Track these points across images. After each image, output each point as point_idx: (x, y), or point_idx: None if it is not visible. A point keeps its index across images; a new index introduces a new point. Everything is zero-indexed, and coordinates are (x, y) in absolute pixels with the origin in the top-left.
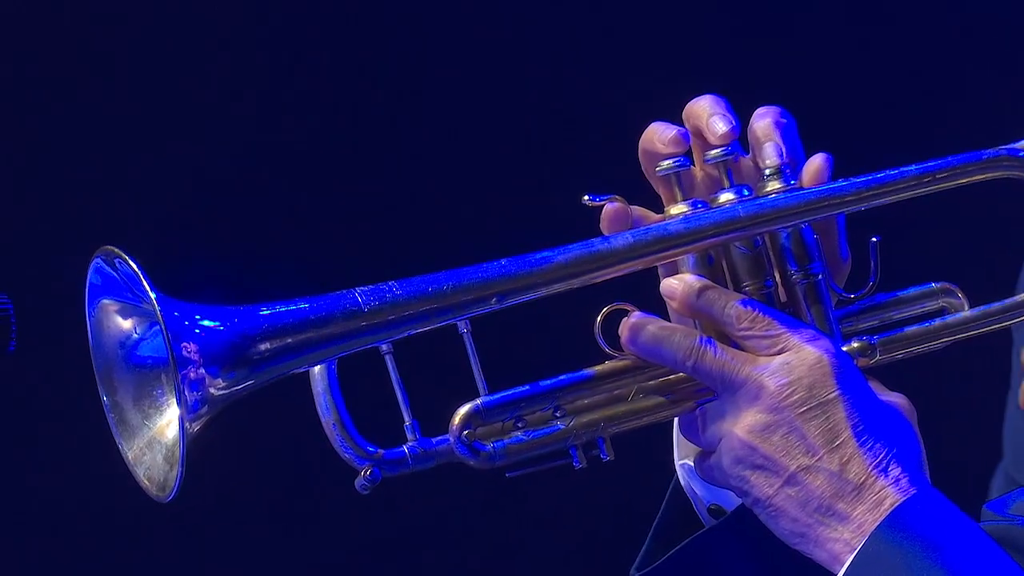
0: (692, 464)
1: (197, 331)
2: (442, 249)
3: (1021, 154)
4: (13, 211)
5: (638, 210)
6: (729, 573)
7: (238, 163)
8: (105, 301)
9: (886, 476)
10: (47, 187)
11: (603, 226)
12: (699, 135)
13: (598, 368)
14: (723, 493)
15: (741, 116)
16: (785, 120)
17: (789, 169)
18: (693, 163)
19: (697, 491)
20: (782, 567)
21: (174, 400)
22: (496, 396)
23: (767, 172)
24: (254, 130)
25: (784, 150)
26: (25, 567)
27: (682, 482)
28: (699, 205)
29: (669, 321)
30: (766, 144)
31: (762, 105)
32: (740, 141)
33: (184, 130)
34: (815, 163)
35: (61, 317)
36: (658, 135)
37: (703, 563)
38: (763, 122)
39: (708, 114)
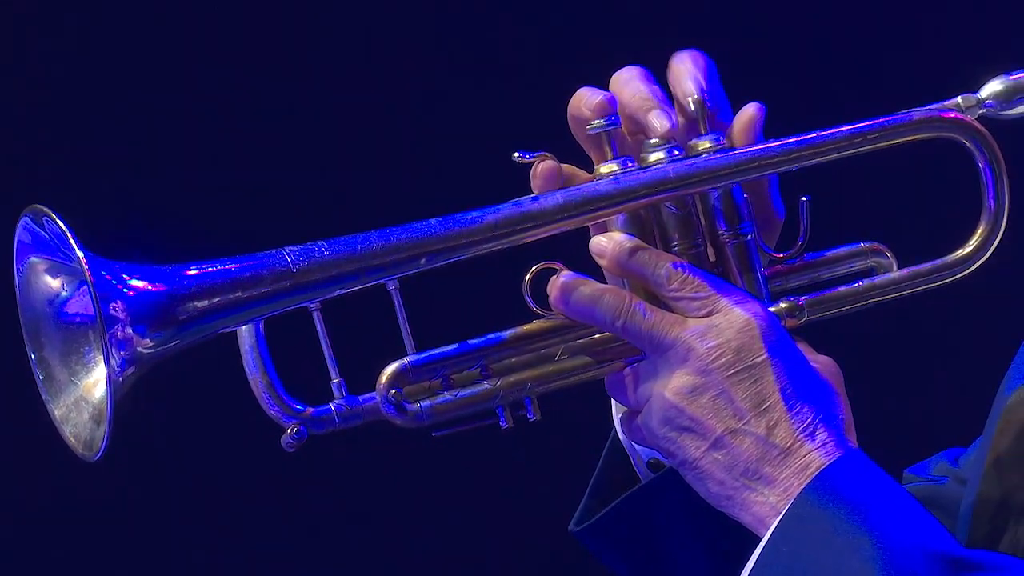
0: None
1: (125, 290)
2: (372, 208)
3: (951, 115)
4: None
5: (568, 168)
6: (667, 527)
7: (167, 124)
8: (34, 259)
9: (812, 440)
10: None
11: (534, 184)
12: (631, 118)
13: (526, 328)
14: None
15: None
16: (705, 59)
17: (707, 96)
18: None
19: (635, 445)
20: (719, 521)
21: (102, 359)
22: (423, 355)
23: (689, 102)
24: (183, 89)
25: (703, 80)
26: None
27: (620, 437)
28: (629, 164)
29: (599, 281)
30: (685, 78)
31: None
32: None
33: (112, 89)
34: (746, 114)
35: None
36: (585, 100)
37: (641, 518)
38: (682, 62)
39: (645, 107)
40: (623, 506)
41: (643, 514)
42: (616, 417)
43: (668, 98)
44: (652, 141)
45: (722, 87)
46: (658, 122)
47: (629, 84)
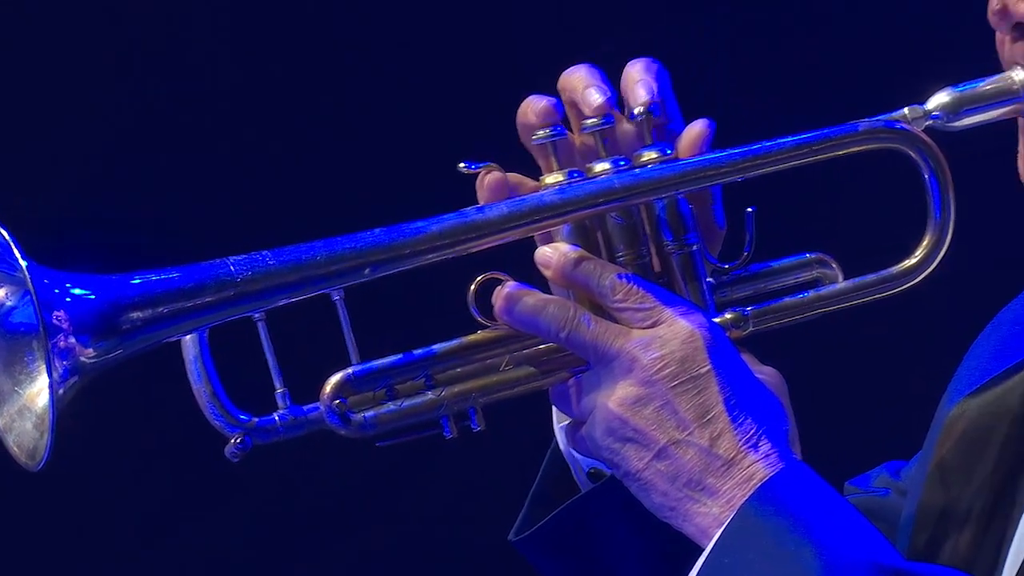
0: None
1: (68, 299)
2: (318, 218)
3: (897, 126)
4: None
5: (515, 177)
6: (607, 537)
7: (111, 134)
8: None
9: (756, 451)
10: None
11: (479, 194)
12: (574, 106)
13: (471, 338)
14: None
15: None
16: (656, 65)
17: (658, 104)
18: (570, 131)
19: (576, 455)
20: (660, 531)
21: (45, 368)
22: (368, 365)
23: (636, 111)
24: (128, 102)
25: (655, 88)
26: None
27: (561, 446)
28: (575, 175)
29: (544, 292)
30: (636, 84)
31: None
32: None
33: (59, 102)
34: (695, 129)
35: None
36: (532, 107)
37: (581, 527)
38: (634, 68)
39: (583, 85)
40: (563, 516)
41: (583, 524)
42: (557, 426)
43: (609, 85)
44: (599, 166)
45: (674, 96)
46: (592, 97)
47: (573, 72)
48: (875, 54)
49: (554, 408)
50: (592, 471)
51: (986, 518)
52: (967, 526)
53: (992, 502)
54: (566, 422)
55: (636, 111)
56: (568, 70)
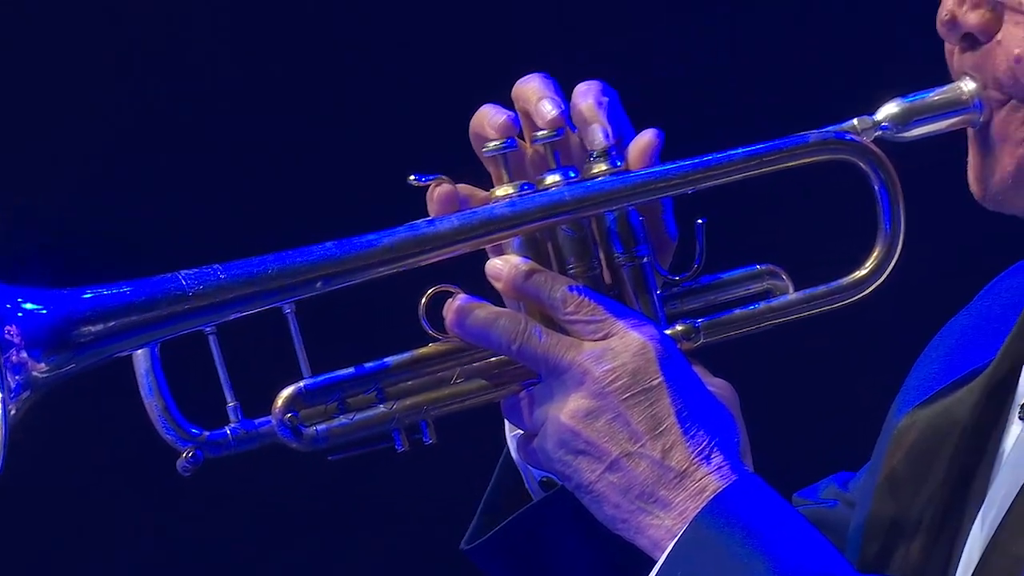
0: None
1: (19, 314)
2: (268, 232)
3: (847, 137)
4: None
5: (465, 188)
6: (559, 546)
7: (61, 147)
8: None
9: (708, 463)
10: None
11: (430, 207)
12: (527, 116)
13: (422, 351)
14: None
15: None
16: (607, 97)
17: (616, 150)
18: (522, 140)
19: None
20: (611, 542)
21: None
22: (319, 379)
23: (594, 155)
24: (78, 114)
25: (610, 131)
26: None
27: (513, 455)
28: (526, 187)
29: (495, 304)
30: (592, 126)
31: (584, 81)
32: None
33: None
34: (643, 140)
35: None
36: (487, 119)
37: (533, 536)
38: (587, 102)
39: (537, 97)
40: (514, 525)
41: (534, 533)
42: (509, 435)
43: (562, 95)
44: (550, 179)
45: (624, 112)
46: (546, 109)
47: (526, 82)
48: (826, 65)
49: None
50: (544, 480)
51: (936, 529)
52: (917, 536)
53: (941, 512)
54: (518, 432)
55: (594, 154)
56: (522, 80)
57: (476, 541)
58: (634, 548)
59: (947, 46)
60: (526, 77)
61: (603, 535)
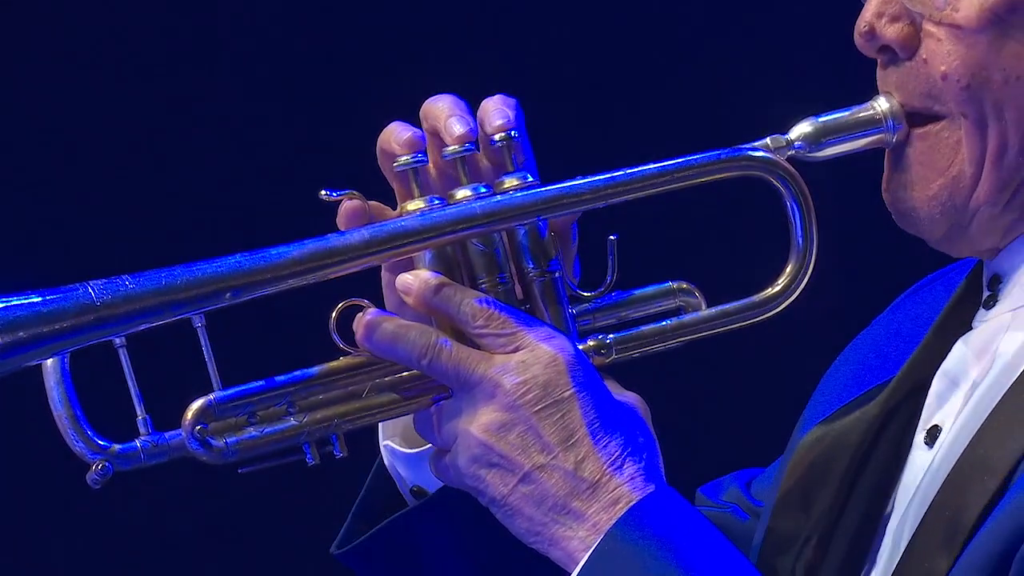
0: (395, 445)
1: None
2: (180, 243)
3: (758, 154)
4: None
5: (376, 206)
6: (430, 553)
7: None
8: None
9: (621, 474)
10: None
11: (339, 222)
12: (436, 134)
13: (333, 364)
14: (426, 474)
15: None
16: (513, 100)
17: (514, 132)
18: (429, 159)
19: (401, 471)
20: (482, 549)
21: None
22: (229, 391)
23: (497, 137)
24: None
25: (511, 116)
26: None
27: (386, 462)
28: (436, 201)
29: (405, 318)
30: (493, 112)
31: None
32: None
33: None
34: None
35: None
36: (395, 136)
37: (404, 543)
38: (492, 101)
39: (446, 115)
40: (385, 530)
41: (405, 539)
42: (383, 443)
43: (471, 113)
44: (460, 193)
45: (527, 133)
46: (455, 127)
47: (436, 101)
48: (743, 83)
49: (380, 425)
50: (415, 488)
51: (822, 548)
52: (804, 554)
53: (828, 531)
54: (390, 440)
55: (496, 137)
56: (431, 99)
57: (347, 546)
58: (506, 556)
59: (879, 65)
60: (435, 96)
61: (475, 543)
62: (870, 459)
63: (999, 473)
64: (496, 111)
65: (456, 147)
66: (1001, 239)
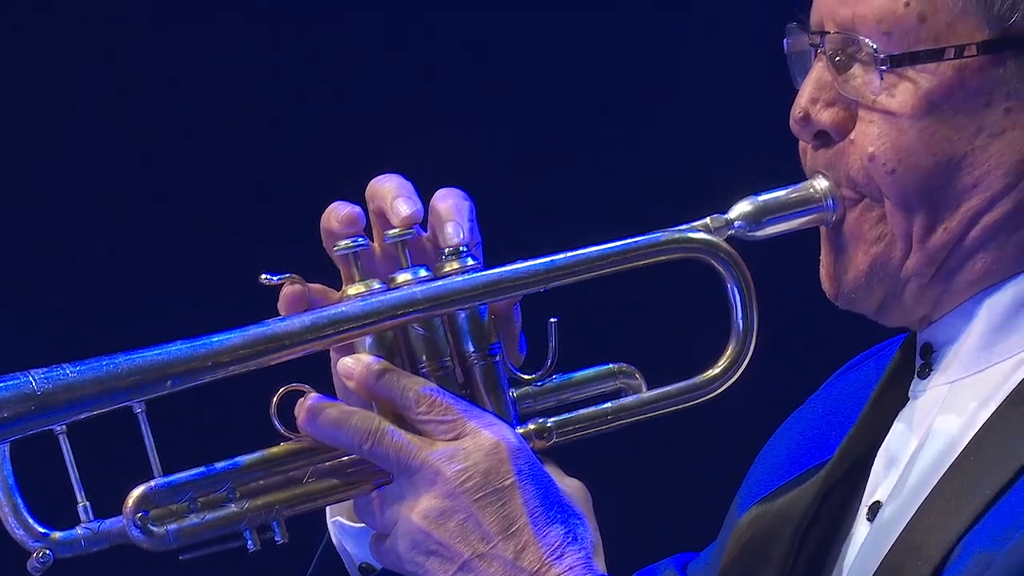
0: (344, 520)
1: None
2: (123, 329)
3: (698, 235)
4: None
5: (317, 288)
6: None
7: None
8: None
9: (560, 563)
10: None
11: (280, 306)
12: (381, 215)
13: (273, 450)
14: None
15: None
16: (468, 202)
17: (468, 248)
18: (372, 241)
19: (349, 548)
20: None
21: None
22: (170, 478)
23: (447, 252)
24: None
25: (465, 230)
26: None
27: (334, 540)
28: (377, 285)
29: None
30: (448, 223)
31: (444, 187)
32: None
33: None
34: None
35: None
36: (335, 214)
37: None
38: (445, 203)
39: (392, 196)
40: None
41: None
42: (331, 519)
43: (416, 193)
44: (401, 277)
45: (477, 225)
46: (401, 207)
47: (382, 181)
48: (682, 163)
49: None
50: (363, 565)
51: None
52: None
53: None
54: (338, 517)
55: (446, 251)
56: (377, 178)
57: None
58: None
59: (801, 144)
60: (381, 176)
61: None
62: (812, 534)
63: (933, 560)
64: (451, 224)
65: (397, 231)
66: (933, 310)
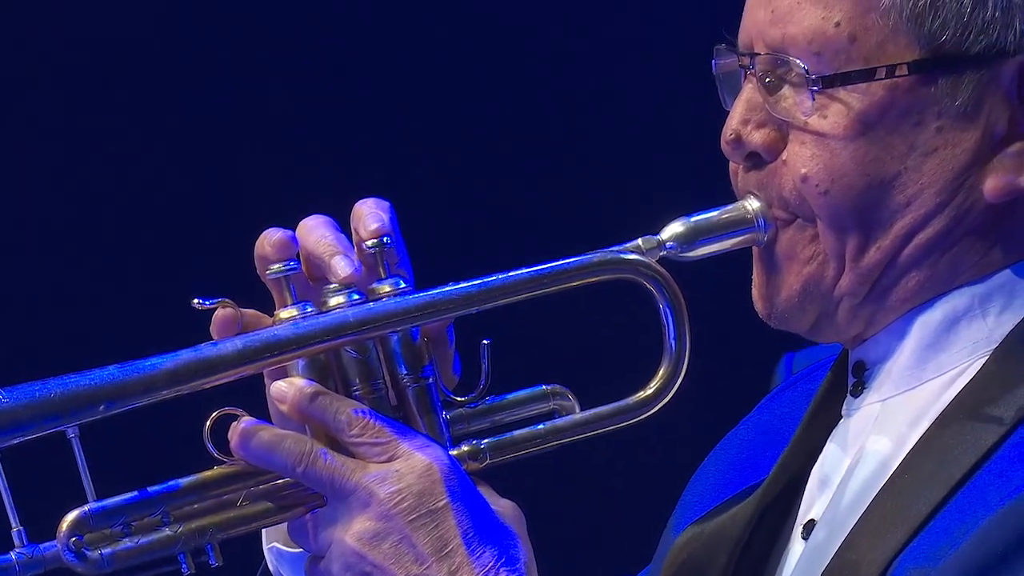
0: (280, 547)
1: None
2: (51, 355)
3: (630, 256)
4: None
5: (250, 313)
6: None
7: None
8: None
9: None
10: None
11: (213, 330)
12: (314, 262)
13: (207, 474)
14: None
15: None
16: (387, 203)
17: (392, 242)
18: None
19: (285, 575)
20: None
21: None
22: (104, 502)
23: (369, 243)
24: None
25: (385, 219)
26: None
27: (271, 566)
28: (308, 308)
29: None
30: (366, 217)
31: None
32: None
33: None
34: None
35: None
36: (268, 239)
37: None
38: (365, 203)
39: (329, 253)
40: None
41: None
42: (267, 546)
43: (351, 246)
44: (332, 286)
45: (401, 235)
46: (341, 267)
47: (314, 231)
48: (614, 185)
49: (263, 530)
50: None
51: None
52: None
53: None
54: (274, 543)
55: (369, 243)
56: (304, 222)
57: None
58: None
59: (731, 165)
60: (307, 217)
61: None
62: (748, 554)
63: None
64: (370, 215)
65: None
66: (866, 328)
